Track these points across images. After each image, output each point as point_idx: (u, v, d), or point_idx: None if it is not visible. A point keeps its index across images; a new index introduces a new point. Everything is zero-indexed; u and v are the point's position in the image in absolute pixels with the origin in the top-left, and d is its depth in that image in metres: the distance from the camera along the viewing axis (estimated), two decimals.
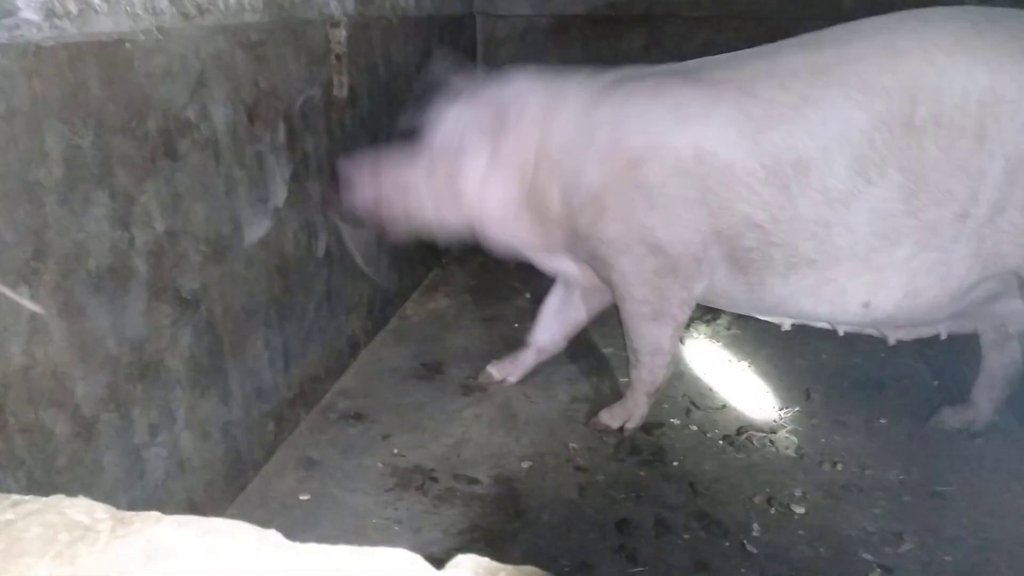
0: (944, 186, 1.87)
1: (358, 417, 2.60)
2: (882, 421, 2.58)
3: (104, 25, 1.52)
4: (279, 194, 2.26)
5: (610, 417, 2.52)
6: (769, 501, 2.18)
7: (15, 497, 0.68)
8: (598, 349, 3.10)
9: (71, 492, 0.82)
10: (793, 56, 2.02)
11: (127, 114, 1.60)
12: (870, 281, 2.03)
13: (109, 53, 1.54)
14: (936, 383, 2.83)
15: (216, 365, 2.00)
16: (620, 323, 2.45)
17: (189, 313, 1.87)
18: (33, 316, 1.38)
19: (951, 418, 2.51)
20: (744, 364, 2.98)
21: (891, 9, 2.02)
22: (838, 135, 1.91)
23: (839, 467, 2.34)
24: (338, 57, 2.59)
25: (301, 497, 2.20)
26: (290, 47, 2.27)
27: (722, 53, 2.26)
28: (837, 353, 3.01)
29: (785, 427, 2.53)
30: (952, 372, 2.82)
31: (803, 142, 1.93)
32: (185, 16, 1.78)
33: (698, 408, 2.66)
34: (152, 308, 1.73)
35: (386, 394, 2.75)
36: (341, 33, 2.57)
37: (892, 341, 2.31)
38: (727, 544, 2.03)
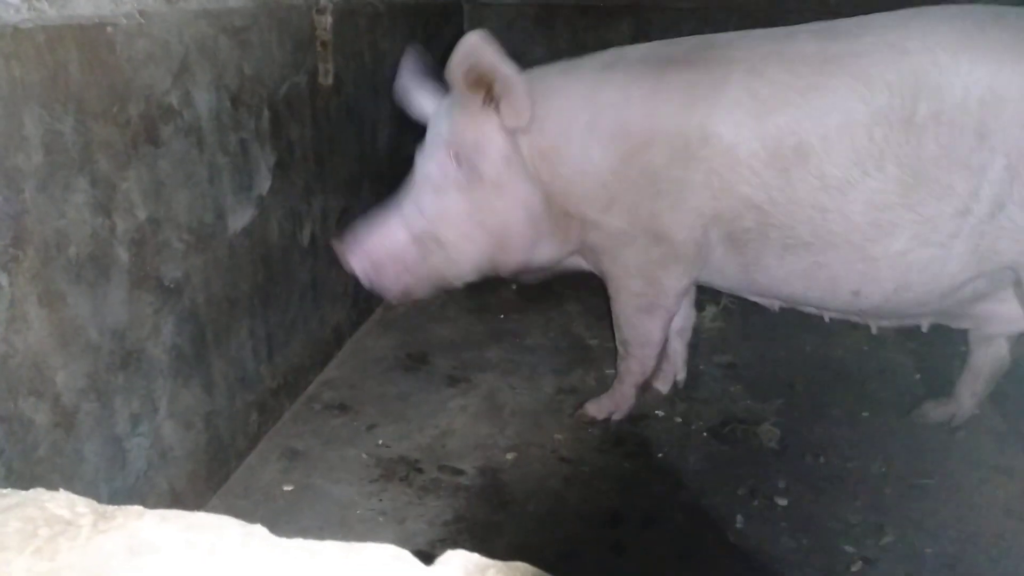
0: (945, 181, 1.88)
1: (342, 408, 2.58)
2: (864, 414, 2.60)
3: (85, 8, 1.49)
4: (263, 182, 2.23)
5: (597, 408, 2.52)
6: (752, 493, 2.19)
7: None
8: (584, 341, 3.10)
9: (51, 483, 0.81)
10: (806, 43, 2.03)
11: (108, 99, 1.57)
12: (862, 271, 2.04)
13: (90, 37, 1.51)
14: (919, 376, 2.85)
15: (199, 354, 1.98)
16: (608, 314, 2.44)
17: (172, 302, 1.84)
18: (12, 304, 1.36)
19: (933, 411, 2.52)
20: (728, 356, 2.99)
21: (877, 3, 2.03)
22: (839, 125, 1.92)
23: (821, 459, 2.35)
24: (323, 44, 2.56)
25: (284, 488, 2.18)
26: (275, 33, 2.24)
27: None
28: (820, 346, 3.03)
29: (768, 419, 2.54)
30: (935, 366, 2.84)
31: (805, 128, 1.94)
32: (168, 0, 1.75)
33: (682, 400, 2.67)
34: (134, 297, 1.70)
35: (371, 384, 2.73)
36: (327, 19, 2.54)
37: (875, 329, 2.34)
38: (711, 535, 2.04)
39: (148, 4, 1.68)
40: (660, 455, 2.38)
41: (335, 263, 2.79)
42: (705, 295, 2.87)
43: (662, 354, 2.54)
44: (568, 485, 2.23)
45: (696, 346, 3.07)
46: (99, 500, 0.66)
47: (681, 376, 2.72)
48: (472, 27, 4.31)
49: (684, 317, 2.65)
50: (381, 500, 2.15)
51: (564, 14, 4.31)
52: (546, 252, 2.33)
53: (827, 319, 2.34)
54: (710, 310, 3.33)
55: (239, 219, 2.12)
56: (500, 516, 2.10)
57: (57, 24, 1.42)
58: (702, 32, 2.53)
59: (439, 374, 2.83)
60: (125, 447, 1.71)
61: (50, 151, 1.43)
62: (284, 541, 0.58)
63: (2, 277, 1.34)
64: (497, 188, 2.17)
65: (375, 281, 2.25)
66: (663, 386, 2.68)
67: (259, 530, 0.59)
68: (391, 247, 2.21)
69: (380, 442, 2.40)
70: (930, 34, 1.90)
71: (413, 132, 3.00)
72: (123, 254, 1.65)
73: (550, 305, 3.40)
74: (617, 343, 2.46)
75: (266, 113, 2.23)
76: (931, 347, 2.89)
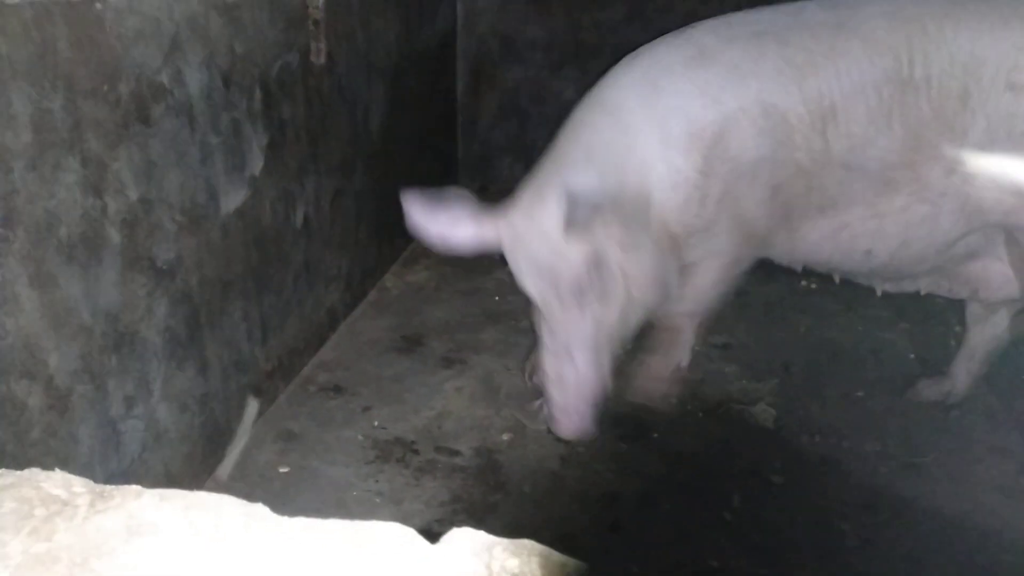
0: (935, 142, 2.00)
1: (338, 390, 2.57)
2: (859, 393, 2.60)
3: None
4: (255, 162, 2.21)
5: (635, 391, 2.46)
6: (748, 472, 2.20)
7: None
8: None
9: (46, 465, 0.80)
10: (817, 12, 2.12)
11: (98, 77, 1.55)
12: (873, 229, 2.13)
13: (79, 13, 1.48)
14: (913, 356, 2.85)
15: (193, 336, 1.97)
16: None
17: (165, 283, 1.83)
18: (3, 285, 1.34)
19: (928, 390, 2.53)
20: (723, 337, 2.99)
21: None
22: (858, 85, 2.02)
23: (817, 439, 2.36)
24: (316, 23, 2.53)
25: (281, 470, 2.18)
26: (266, 11, 2.21)
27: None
28: (815, 327, 3.03)
29: (764, 399, 2.54)
30: (929, 346, 2.84)
31: (833, 88, 2.03)
32: None
33: (678, 381, 2.67)
34: (126, 278, 1.68)
35: (366, 367, 2.72)
36: None
37: (879, 292, 2.43)
38: (707, 514, 2.04)
39: None
40: (656, 436, 2.38)
41: (328, 244, 2.78)
42: None
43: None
44: (564, 465, 2.23)
45: None
46: (95, 482, 0.65)
47: (685, 359, 2.70)
48: (465, 7, 4.28)
49: None
50: (378, 481, 2.14)
51: None
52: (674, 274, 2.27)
53: (837, 280, 2.44)
54: None
55: (232, 200, 2.10)
56: (497, 496, 2.10)
57: (45, 0, 1.39)
58: (697, 12, 2.51)
59: (434, 356, 2.82)
60: (120, 429, 1.70)
61: (39, 130, 1.40)
62: (286, 520, 0.57)
63: None
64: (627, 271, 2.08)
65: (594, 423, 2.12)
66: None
67: (261, 510, 0.58)
68: (593, 390, 2.09)
69: (376, 424, 2.40)
70: (921, 3, 2.04)
71: (405, 113, 2.98)
72: (115, 235, 1.63)
73: None
74: (675, 314, 2.38)
75: (258, 92, 2.20)
76: (925, 327, 2.89)
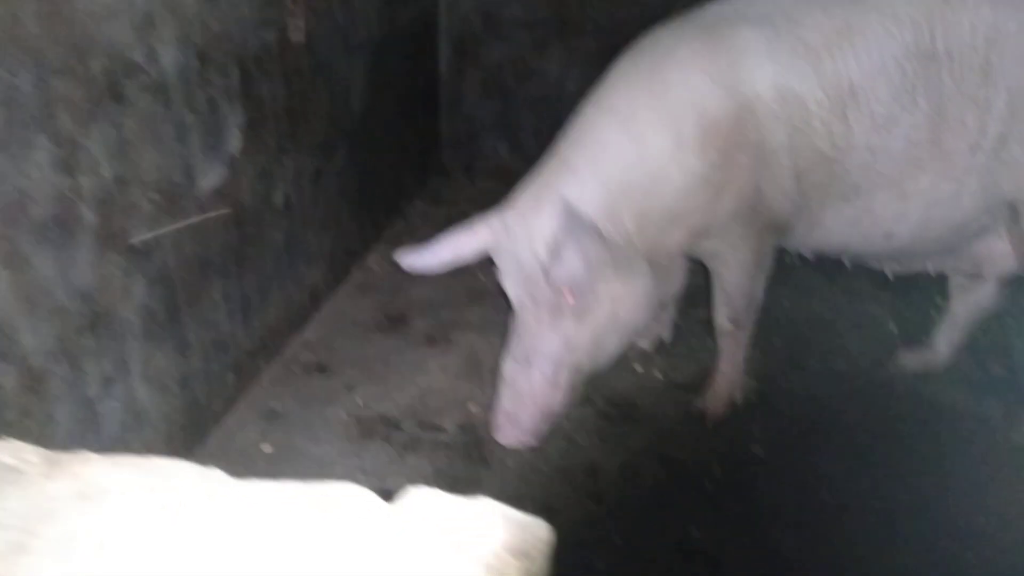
0: (959, 117, 1.96)
1: (321, 369, 2.57)
2: (841, 365, 2.62)
3: None
4: (233, 142, 2.19)
5: (717, 402, 2.38)
6: (730, 444, 2.21)
7: None
8: None
9: None
10: None
11: (69, 54, 1.53)
12: (896, 211, 2.09)
13: None
14: (893, 327, 2.87)
15: (172, 316, 1.96)
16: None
17: (141, 263, 1.81)
18: None
19: (909, 361, 2.56)
20: (705, 311, 2.99)
21: None
22: (879, 62, 1.96)
23: (798, 410, 2.38)
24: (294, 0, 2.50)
25: (264, 449, 2.18)
26: None
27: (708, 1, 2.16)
28: (797, 299, 3.04)
29: (746, 372, 2.55)
30: (910, 317, 2.86)
31: (853, 68, 1.97)
32: None
33: (660, 354, 2.68)
34: (102, 258, 1.67)
35: (349, 345, 2.72)
36: None
37: (890, 275, 2.43)
38: (689, 486, 2.06)
39: None
40: (639, 408, 2.39)
41: (309, 224, 2.76)
42: None
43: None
44: (547, 439, 2.23)
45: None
46: None
47: (667, 335, 2.72)
48: None
49: None
50: (361, 458, 2.15)
51: None
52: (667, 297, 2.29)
53: (848, 264, 2.42)
54: None
55: (209, 179, 2.08)
56: (480, 471, 2.11)
57: None
58: None
59: (418, 334, 2.82)
60: (98, 410, 1.69)
61: (8, 107, 1.39)
62: (241, 482, 0.58)
63: None
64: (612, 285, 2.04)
65: (536, 437, 2.11)
66: (647, 343, 2.68)
67: (216, 472, 0.58)
68: (543, 406, 2.07)
69: (360, 402, 2.40)
70: None
71: (387, 91, 2.95)
72: (89, 214, 1.62)
73: None
74: (722, 323, 2.37)
75: (235, 71, 2.18)
76: (906, 298, 2.91)
